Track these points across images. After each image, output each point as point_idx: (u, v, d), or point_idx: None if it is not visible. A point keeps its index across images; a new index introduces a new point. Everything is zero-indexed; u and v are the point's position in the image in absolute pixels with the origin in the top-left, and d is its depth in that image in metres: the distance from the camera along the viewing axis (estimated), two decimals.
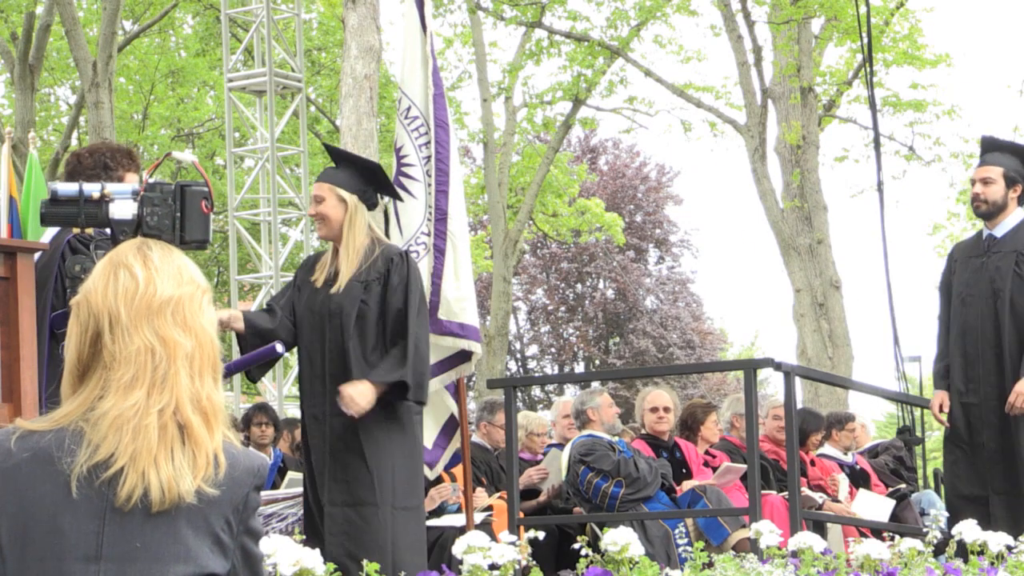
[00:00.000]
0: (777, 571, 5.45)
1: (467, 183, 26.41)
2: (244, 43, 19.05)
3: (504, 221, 23.60)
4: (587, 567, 5.36)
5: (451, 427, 7.84)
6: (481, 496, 8.87)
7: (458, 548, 5.19)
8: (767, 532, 5.86)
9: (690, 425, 10.15)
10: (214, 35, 24.27)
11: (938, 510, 6.34)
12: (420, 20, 8.02)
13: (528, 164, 25.26)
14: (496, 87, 24.43)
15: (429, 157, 7.83)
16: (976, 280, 8.00)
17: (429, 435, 7.75)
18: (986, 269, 7.97)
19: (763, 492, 8.57)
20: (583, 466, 8.87)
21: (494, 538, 5.27)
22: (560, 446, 9.52)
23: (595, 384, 23.31)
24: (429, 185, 7.78)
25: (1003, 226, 8.00)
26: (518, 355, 35.97)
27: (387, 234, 7.20)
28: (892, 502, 10.35)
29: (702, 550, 5.66)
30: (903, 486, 11.13)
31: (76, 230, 5.65)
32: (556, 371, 35.75)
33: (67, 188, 4.63)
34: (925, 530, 6.24)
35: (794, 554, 5.73)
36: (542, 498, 9.21)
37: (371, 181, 6.90)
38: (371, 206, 6.89)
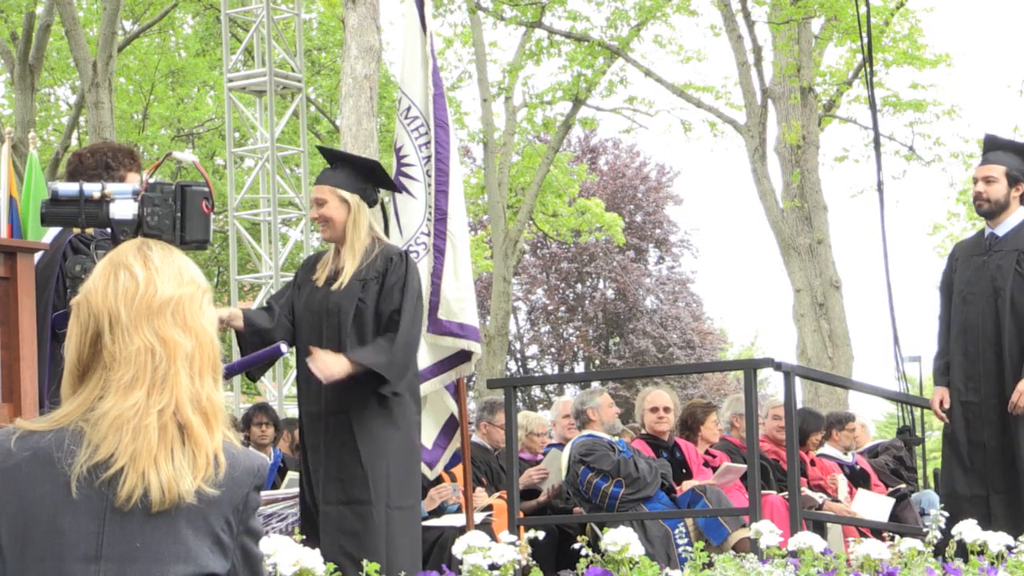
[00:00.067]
0: (777, 571, 5.45)
1: (467, 183, 26.41)
2: (244, 43, 19.05)
3: (504, 221, 23.60)
4: (587, 567, 5.36)
5: (451, 427, 7.84)
6: (481, 496, 8.87)
7: (458, 548, 5.19)
8: (767, 532, 5.85)
9: (690, 425, 10.15)
10: (214, 35, 24.27)
11: (938, 510, 6.33)
12: (420, 20, 8.02)
13: (528, 164, 25.26)
14: (496, 87, 24.43)
15: (429, 157, 7.83)
16: (977, 278, 8.00)
17: (429, 435, 7.75)
18: (987, 268, 7.97)
19: (763, 492, 8.57)
20: (583, 466, 8.88)
21: (494, 538, 5.27)
22: (560, 446, 9.53)
23: (595, 384, 23.31)
24: (429, 185, 7.78)
25: (1005, 225, 8.00)
26: (518, 355, 35.97)
27: (386, 232, 7.20)
28: (891, 500, 10.35)
29: (702, 550, 5.66)
30: (903, 486, 11.13)
31: (77, 230, 5.65)
32: (556, 371, 35.75)
33: (67, 188, 4.63)
34: (925, 530, 6.23)
35: (794, 554, 5.73)
36: (542, 498, 9.21)
37: (369, 178, 6.90)
38: (371, 203, 6.89)
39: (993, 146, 8.14)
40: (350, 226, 6.76)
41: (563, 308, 35.88)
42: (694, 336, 34.86)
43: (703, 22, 44.71)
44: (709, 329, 36.34)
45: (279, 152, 18.34)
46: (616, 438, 9.22)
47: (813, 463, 10.45)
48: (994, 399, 7.87)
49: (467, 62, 25.71)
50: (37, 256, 5.75)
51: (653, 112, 25.70)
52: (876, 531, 9.23)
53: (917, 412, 13.61)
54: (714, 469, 9.67)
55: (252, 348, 6.74)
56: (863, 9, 15.06)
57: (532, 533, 5.47)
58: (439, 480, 8.50)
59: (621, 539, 5.34)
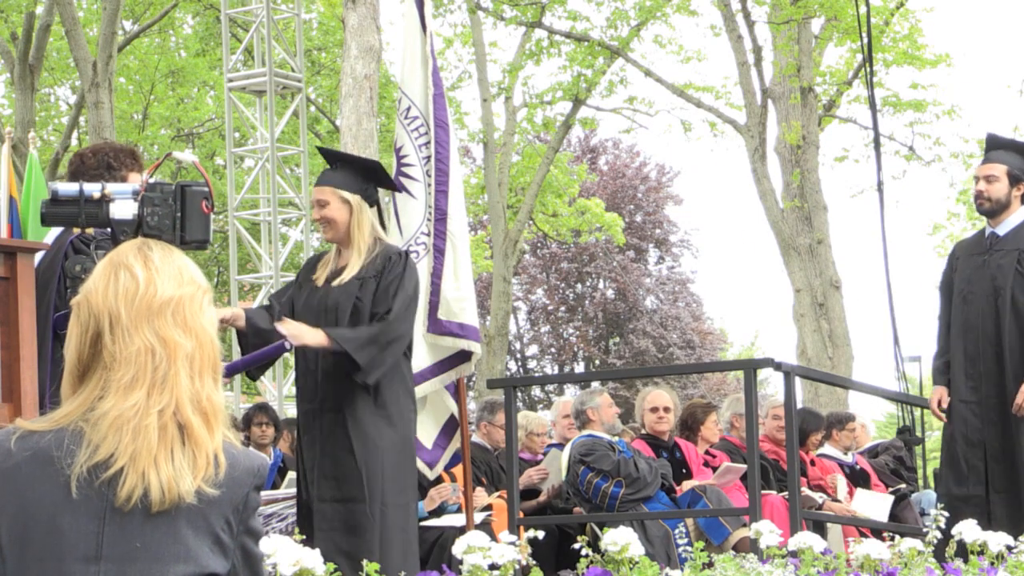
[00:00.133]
0: (777, 571, 5.45)
1: (467, 183, 26.41)
2: (244, 43, 19.05)
3: (504, 221, 23.60)
4: (587, 567, 5.36)
5: (451, 427, 7.84)
6: (481, 496, 8.87)
7: (458, 548, 5.19)
8: (767, 532, 5.85)
9: (690, 425, 10.15)
10: (214, 35, 24.28)
11: (938, 510, 6.33)
12: (420, 20, 8.01)
13: (528, 164, 25.26)
14: (496, 87, 24.43)
15: (429, 157, 7.83)
16: (978, 278, 7.99)
17: (429, 435, 7.75)
18: (988, 267, 7.97)
19: (763, 492, 8.58)
20: (583, 466, 8.88)
21: (494, 538, 5.27)
22: (560, 446, 9.53)
23: (595, 384, 23.32)
24: (429, 185, 7.78)
25: (1006, 224, 7.99)
26: (518, 355, 35.97)
27: (381, 223, 7.20)
28: (891, 498, 10.35)
29: (702, 550, 5.66)
30: (903, 486, 11.13)
31: (78, 230, 5.65)
32: (556, 371, 35.75)
33: (67, 188, 4.63)
34: (925, 530, 6.23)
35: (794, 554, 5.73)
36: (542, 498, 9.21)
37: (370, 178, 6.90)
38: (372, 203, 6.89)
39: (995, 145, 8.14)
40: (354, 227, 6.76)
41: (563, 308, 35.88)
42: (694, 336, 34.86)
43: (703, 22, 44.72)
44: (709, 329, 36.34)
45: (279, 152, 18.34)
46: (616, 438, 9.22)
47: (813, 463, 10.45)
48: (994, 399, 7.86)
49: (467, 62, 25.73)
50: (38, 256, 5.76)
51: (653, 112, 25.72)
52: (876, 531, 9.23)
53: (917, 412, 13.61)
54: (714, 469, 9.67)
55: (253, 348, 6.73)
56: (863, 9, 15.06)
57: (532, 533, 5.47)
58: (439, 480, 8.50)
59: (621, 539, 5.34)
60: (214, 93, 25.76)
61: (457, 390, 7.81)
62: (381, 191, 7.07)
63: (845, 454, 11.18)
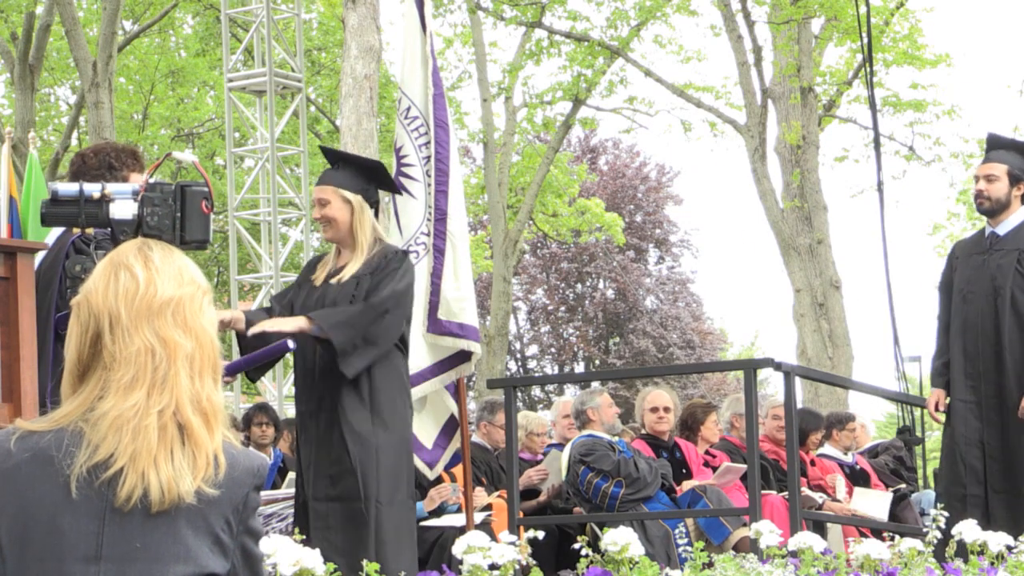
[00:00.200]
0: (777, 571, 5.45)
1: (467, 183, 26.41)
2: (244, 43, 19.05)
3: (504, 221, 23.61)
4: (587, 567, 5.36)
5: (451, 427, 7.84)
6: (481, 496, 8.87)
7: (458, 548, 5.19)
8: (767, 532, 5.85)
9: (690, 425, 10.15)
10: (214, 35, 24.28)
11: (938, 510, 6.33)
12: (420, 20, 8.02)
13: (528, 164, 25.26)
14: (496, 87, 24.43)
15: (429, 157, 7.83)
16: (977, 277, 7.99)
17: (429, 435, 7.75)
18: (988, 266, 7.97)
19: (763, 492, 8.57)
20: (583, 466, 8.88)
21: (494, 538, 5.27)
22: (560, 446, 9.52)
23: (595, 384, 23.32)
24: (429, 185, 7.78)
25: (1006, 224, 7.99)
26: (518, 355, 35.97)
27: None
28: (889, 495, 10.35)
29: (702, 550, 5.66)
30: (903, 486, 11.13)
31: (78, 230, 5.65)
32: (556, 371, 35.75)
33: (67, 188, 4.63)
34: (925, 530, 6.23)
35: (794, 554, 5.73)
36: (542, 498, 9.21)
37: (371, 179, 6.90)
38: (372, 204, 6.89)
39: (995, 144, 8.14)
40: (356, 227, 6.76)
41: (563, 308, 35.88)
42: (694, 336, 34.86)
43: (703, 22, 44.73)
44: (709, 329, 36.34)
45: (279, 152, 18.34)
46: (616, 438, 9.22)
47: (813, 463, 10.45)
48: (993, 398, 7.86)
49: (467, 62, 25.73)
50: (40, 256, 5.76)
51: (653, 112, 25.72)
52: (876, 531, 9.23)
53: (917, 412, 13.59)
54: (714, 469, 9.67)
55: (252, 350, 6.73)
56: (863, 9, 15.06)
57: (532, 533, 5.47)
58: (439, 480, 8.50)
59: (621, 539, 5.34)
60: (214, 93, 25.76)
61: (457, 390, 7.81)
62: (381, 192, 7.07)
63: (845, 454, 11.18)
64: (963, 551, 6.03)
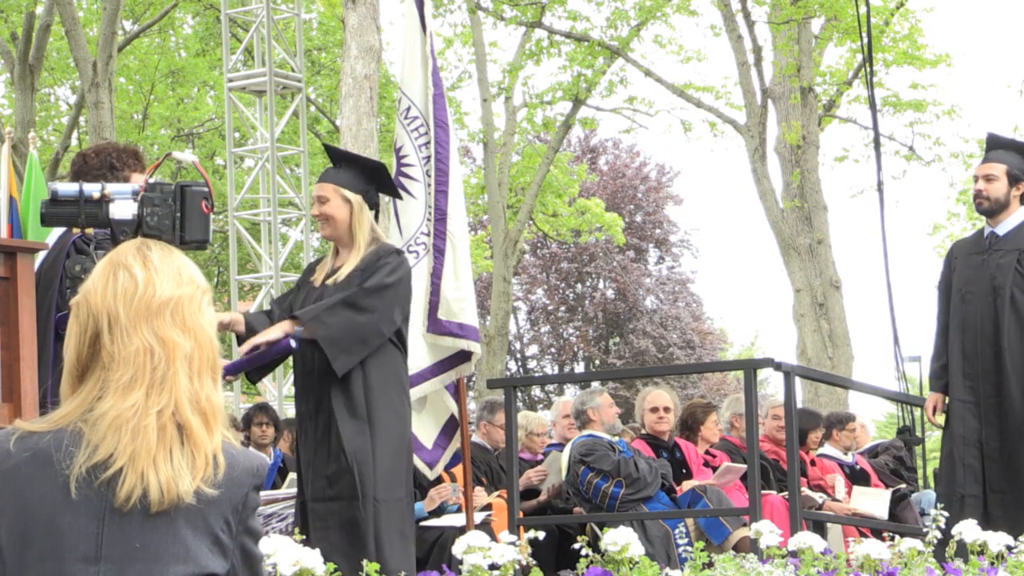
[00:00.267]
0: (777, 571, 5.45)
1: (467, 183, 26.41)
2: (244, 43, 19.05)
3: (504, 221, 23.60)
4: (587, 567, 5.36)
5: (451, 427, 7.84)
6: (481, 496, 8.86)
7: (458, 548, 5.19)
8: (767, 532, 5.85)
9: (690, 425, 10.15)
10: (214, 35, 24.27)
11: (938, 510, 6.33)
12: (420, 20, 8.02)
13: (528, 164, 25.26)
14: (496, 87, 24.43)
15: (429, 157, 7.83)
16: (977, 277, 7.99)
17: (429, 435, 7.75)
18: (987, 266, 7.97)
19: (763, 492, 8.57)
20: (583, 466, 8.87)
21: (494, 538, 5.27)
22: (560, 446, 9.52)
23: (595, 384, 23.31)
24: (429, 185, 7.78)
25: (1005, 224, 7.99)
26: (518, 355, 35.97)
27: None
28: (889, 493, 10.35)
29: (702, 550, 5.66)
30: (903, 486, 11.13)
31: (78, 231, 5.65)
32: (556, 371, 35.75)
33: (67, 188, 4.63)
34: (925, 530, 6.23)
35: (794, 554, 5.73)
36: (542, 498, 9.21)
37: (373, 180, 6.91)
38: (373, 206, 6.89)
39: (995, 144, 8.14)
40: (355, 226, 6.77)
41: (563, 308, 35.89)
42: (694, 336, 34.86)
43: (703, 22, 44.73)
44: (709, 329, 36.34)
45: (279, 152, 18.34)
46: (616, 438, 9.21)
47: (813, 463, 10.45)
48: (992, 398, 7.86)
49: (467, 62, 25.73)
50: (40, 256, 5.75)
51: (653, 112, 25.72)
52: (876, 531, 9.23)
53: (917, 412, 13.59)
54: (714, 469, 9.67)
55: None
56: (863, 9, 15.06)
57: (532, 533, 5.47)
58: (439, 480, 8.50)
59: (621, 539, 5.34)
60: (214, 93, 25.76)
61: (457, 390, 7.81)
62: (382, 196, 7.09)
63: (845, 454, 11.18)
64: (963, 551, 6.04)
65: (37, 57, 21.17)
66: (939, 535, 6.11)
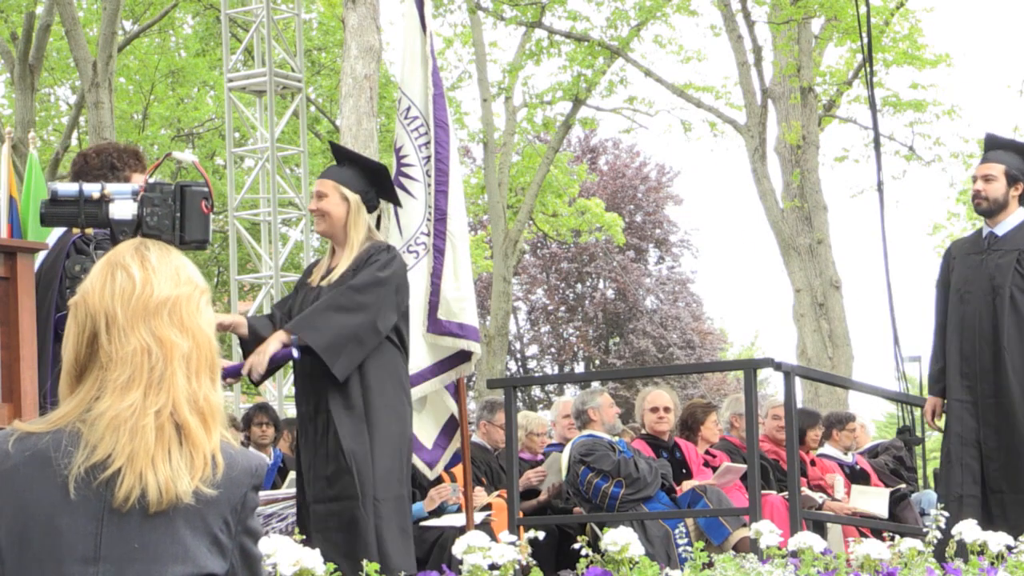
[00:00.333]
0: (777, 571, 5.45)
1: (467, 183, 26.41)
2: (244, 43, 19.05)
3: (504, 221, 23.61)
4: (587, 567, 5.36)
5: (451, 427, 7.84)
6: (481, 496, 8.86)
7: (458, 548, 5.19)
8: (767, 532, 5.85)
9: (690, 425, 10.15)
10: (214, 35, 24.27)
11: (938, 510, 6.33)
12: (420, 20, 8.02)
13: (528, 164, 25.26)
14: (496, 87, 24.43)
15: (429, 157, 7.83)
16: (975, 277, 7.98)
17: (429, 435, 7.75)
18: (986, 266, 7.96)
19: (763, 492, 8.57)
20: (583, 466, 8.87)
21: (494, 538, 5.27)
22: (560, 447, 9.52)
23: (595, 384, 23.31)
24: (429, 185, 7.78)
25: (1004, 225, 7.99)
26: (518, 355, 35.97)
27: (377, 229, 7.21)
28: (888, 492, 10.35)
29: (702, 550, 5.66)
30: (903, 486, 11.13)
31: (78, 231, 5.64)
32: (556, 371, 35.75)
33: (67, 188, 4.63)
34: (925, 530, 6.23)
35: (794, 554, 5.73)
36: (542, 497, 9.21)
37: (374, 183, 6.91)
38: (371, 208, 6.89)
39: (993, 145, 8.14)
40: (350, 226, 6.77)
41: (563, 308, 35.88)
42: (694, 336, 34.86)
43: (703, 22, 44.75)
44: (709, 329, 36.34)
45: (279, 152, 18.34)
46: (616, 438, 9.21)
47: (813, 463, 10.45)
48: (990, 398, 7.85)
49: (467, 62, 25.73)
50: (40, 257, 5.75)
51: (653, 112, 25.72)
52: (876, 531, 9.23)
53: (917, 412, 13.59)
54: (714, 469, 9.67)
55: None
56: (863, 9, 15.06)
57: (532, 533, 5.47)
58: (439, 480, 8.50)
59: (621, 539, 5.34)
60: (214, 93, 25.76)
61: (457, 390, 7.81)
62: (382, 201, 7.09)
63: (845, 454, 11.18)
64: (963, 551, 6.04)
65: (37, 57, 21.17)
66: (939, 535, 6.11)
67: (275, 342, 6.54)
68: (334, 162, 7.17)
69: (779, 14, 21.39)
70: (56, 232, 6.06)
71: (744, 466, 8.83)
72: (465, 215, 7.98)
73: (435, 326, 7.63)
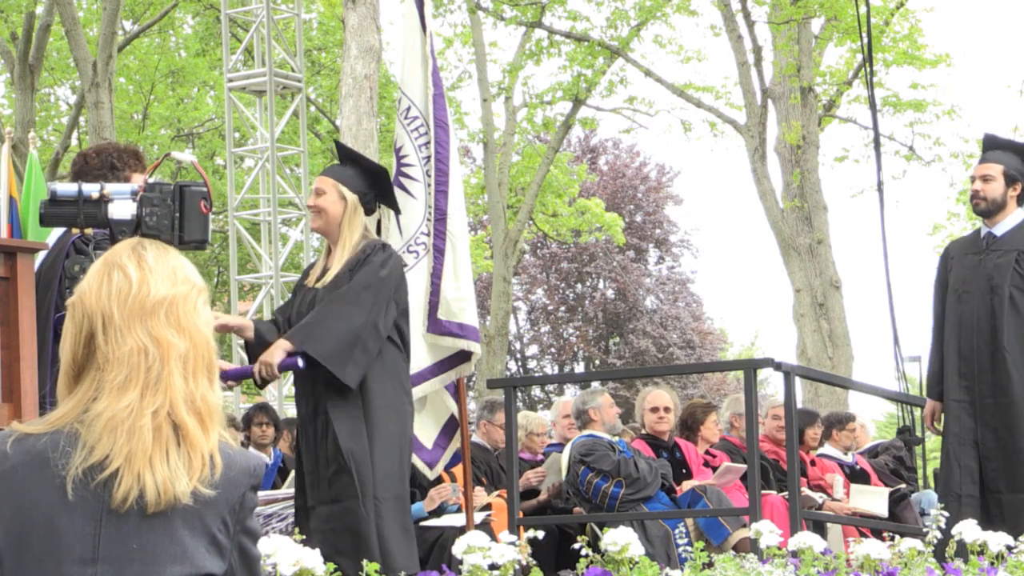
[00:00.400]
0: (777, 571, 5.45)
1: (467, 183, 26.41)
2: (244, 43, 19.06)
3: (504, 221, 23.60)
4: (587, 567, 5.36)
5: (451, 427, 7.84)
6: (481, 496, 8.86)
7: (458, 548, 5.19)
8: (767, 532, 5.85)
9: (690, 425, 10.14)
10: (214, 35, 24.27)
11: (938, 510, 6.33)
12: (420, 20, 8.02)
13: (528, 164, 25.26)
14: (496, 87, 24.43)
15: (429, 157, 7.82)
16: (973, 276, 7.98)
17: (429, 435, 7.75)
18: (984, 266, 7.96)
19: (763, 492, 8.57)
20: (583, 466, 8.87)
21: (494, 538, 5.27)
22: (560, 447, 9.52)
23: (595, 384, 23.31)
24: (429, 185, 7.78)
25: (1003, 225, 7.99)
26: (518, 355, 35.97)
27: (378, 233, 7.21)
28: (887, 491, 10.35)
29: (702, 550, 5.66)
30: (903, 486, 11.13)
31: (77, 231, 5.64)
32: (556, 371, 35.75)
33: (66, 188, 4.62)
34: (925, 530, 6.23)
35: (794, 554, 5.73)
36: (542, 497, 9.21)
37: (374, 185, 6.91)
38: (369, 211, 6.89)
39: (992, 145, 8.14)
40: (344, 225, 6.77)
41: (563, 308, 35.88)
42: (694, 336, 34.86)
43: (703, 22, 44.70)
44: (709, 329, 36.34)
45: (279, 152, 18.34)
46: (616, 438, 9.21)
47: (813, 463, 10.45)
48: (988, 398, 7.85)
49: (467, 62, 25.73)
50: (40, 256, 5.75)
51: (653, 112, 25.72)
52: (876, 531, 9.23)
53: (917, 412, 13.59)
54: (714, 469, 9.67)
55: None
56: (863, 9, 15.06)
57: (532, 533, 5.47)
58: (439, 480, 8.50)
59: (621, 539, 5.34)
60: (214, 93, 25.76)
61: (457, 390, 7.81)
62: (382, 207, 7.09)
63: (845, 454, 11.18)
64: (963, 551, 6.03)
65: (37, 57, 21.17)
66: (939, 535, 6.11)
67: (280, 352, 6.53)
68: (335, 161, 7.17)
69: (779, 14, 21.39)
70: (56, 232, 6.06)
71: (744, 466, 8.82)
72: (465, 215, 7.98)
73: (435, 326, 7.63)
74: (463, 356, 7.72)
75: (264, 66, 17.75)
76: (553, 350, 36.17)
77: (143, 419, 2.58)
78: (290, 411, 16.84)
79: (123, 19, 23.33)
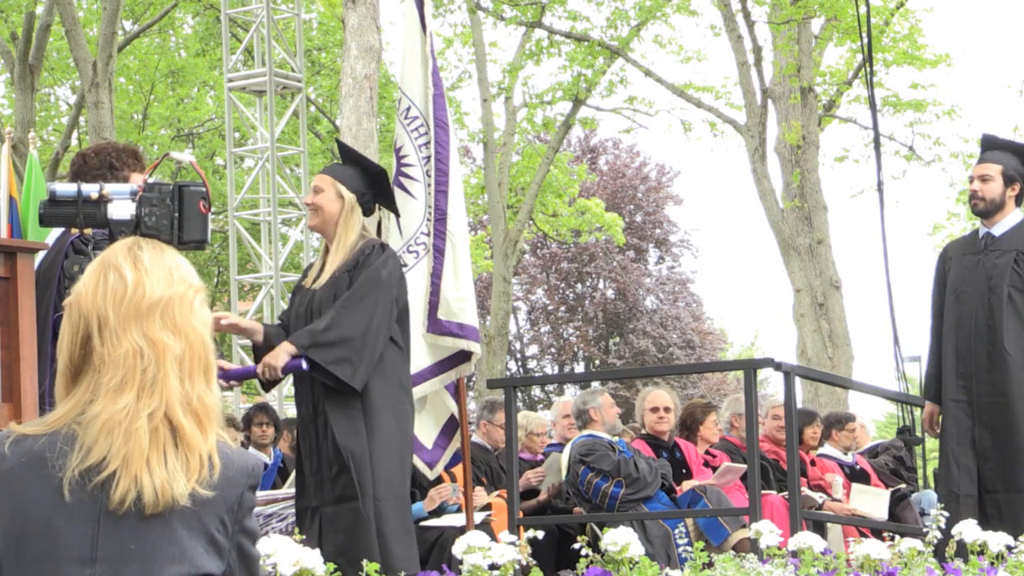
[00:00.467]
0: (777, 571, 5.45)
1: (467, 183, 26.41)
2: (244, 43, 19.05)
3: (504, 221, 23.60)
4: (587, 567, 5.36)
5: (451, 427, 7.84)
6: (481, 496, 8.86)
7: (458, 548, 5.19)
8: (767, 532, 5.85)
9: (690, 425, 10.14)
10: (214, 35, 24.27)
11: (938, 510, 6.33)
12: (420, 20, 8.01)
13: (528, 164, 25.26)
14: (496, 87, 24.43)
15: (429, 157, 7.82)
16: (972, 277, 7.98)
17: (429, 435, 7.75)
18: (982, 266, 7.95)
19: (763, 492, 8.57)
20: (583, 466, 8.87)
21: (494, 538, 5.27)
22: (560, 447, 9.52)
23: (595, 384, 23.31)
24: (429, 185, 7.78)
25: (1002, 225, 7.99)
26: (518, 355, 35.97)
27: (379, 234, 7.21)
28: (887, 492, 10.35)
29: (702, 550, 5.66)
30: (903, 486, 11.13)
31: (77, 231, 5.64)
32: (556, 371, 35.74)
33: (65, 188, 4.62)
34: (925, 530, 6.23)
35: (794, 554, 5.73)
36: (542, 497, 9.21)
37: (373, 186, 6.91)
38: (367, 211, 6.89)
39: (991, 145, 8.14)
40: (341, 224, 6.77)
41: (563, 308, 35.88)
42: (694, 336, 34.86)
43: (703, 22, 44.72)
44: (709, 329, 36.34)
45: (279, 152, 18.34)
46: (616, 438, 9.21)
47: (813, 463, 10.45)
48: (986, 398, 7.85)
49: (467, 62, 25.73)
50: (40, 256, 5.75)
51: (653, 112, 25.72)
52: (876, 531, 9.23)
53: (917, 412, 13.58)
54: (714, 469, 9.66)
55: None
56: (863, 9, 15.06)
57: (532, 533, 5.47)
58: (439, 480, 8.50)
59: (621, 539, 5.34)
60: (214, 93, 25.75)
61: (457, 390, 7.80)
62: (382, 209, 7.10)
63: (845, 454, 11.18)
64: (963, 551, 6.03)
65: (37, 57, 21.16)
66: (939, 535, 6.11)
67: (284, 354, 6.54)
68: (336, 160, 7.18)
69: (779, 14, 21.39)
70: (55, 232, 6.06)
71: (744, 466, 8.82)
72: (465, 215, 7.98)
73: (435, 326, 7.63)
74: (463, 356, 7.72)
75: (264, 66, 17.75)
76: (553, 350, 36.18)
77: (139, 421, 2.57)
78: (290, 411, 16.83)
79: (123, 19, 23.33)
